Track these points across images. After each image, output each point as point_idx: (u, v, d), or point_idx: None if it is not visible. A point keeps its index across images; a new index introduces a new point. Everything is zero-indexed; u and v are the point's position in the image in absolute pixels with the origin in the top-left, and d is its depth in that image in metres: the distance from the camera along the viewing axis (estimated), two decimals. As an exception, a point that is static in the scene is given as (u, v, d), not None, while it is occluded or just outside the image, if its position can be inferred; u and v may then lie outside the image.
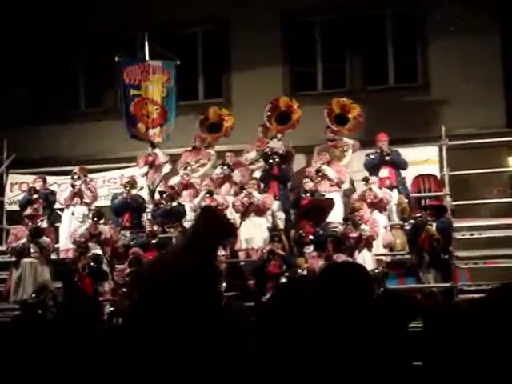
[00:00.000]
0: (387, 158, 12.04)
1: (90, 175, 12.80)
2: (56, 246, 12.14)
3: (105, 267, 11.23)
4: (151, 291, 2.05)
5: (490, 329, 2.49)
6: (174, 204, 11.82)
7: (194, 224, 2.53)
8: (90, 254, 11.15)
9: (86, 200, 12.38)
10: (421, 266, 10.69)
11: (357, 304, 2.19)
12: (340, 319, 2.10)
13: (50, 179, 13.05)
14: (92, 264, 10.99)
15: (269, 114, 12.66)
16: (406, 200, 11.83)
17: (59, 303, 9.95)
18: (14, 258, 11.51)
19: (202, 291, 2.03)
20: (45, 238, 11.54)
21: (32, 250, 11.37)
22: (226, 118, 13.00)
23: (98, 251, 11.41)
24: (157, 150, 12.82)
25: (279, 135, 12.63)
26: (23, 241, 11.38)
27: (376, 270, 10.13)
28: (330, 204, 11.52)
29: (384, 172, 12.10)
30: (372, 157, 12.21)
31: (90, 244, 11.40)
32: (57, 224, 12.56)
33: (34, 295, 10.40)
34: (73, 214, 12.19)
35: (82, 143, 14.55)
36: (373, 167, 12.15)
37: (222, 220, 2.46)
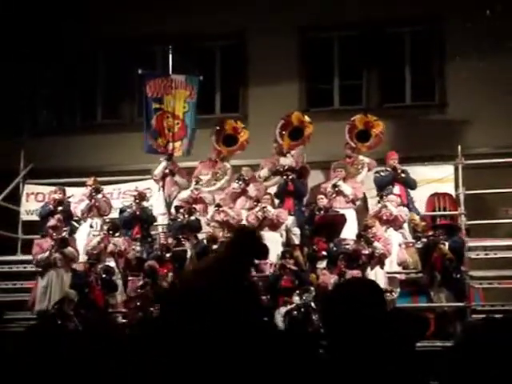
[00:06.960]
0: (403, 175, 12.01)
1: (105, 187, 12.84)
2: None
3: (116, 279, 11.26)
4: (179, 306, 2.06)
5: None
6: (192, 218, 11.83)
7: (228, 242, 2.54)
8: (101, 266, 11.19)
9: (103, 211, 12.43)
10: (432, 285, 10.62)
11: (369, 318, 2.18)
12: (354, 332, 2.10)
13: (68, 190, 13.10)
14: (104, 276, 11.03)
15: (281, 130, 12.63)
16: (418, 216, 11.76)
17: (80, 313, 9.99)
18: (39, 269, 11.51)
19: (234, 307, 2.05)
20: (70, 248, 11.55)
21: (57, 260, 11.40)
22: (241, 131, 13.01)
23: (112, 263, 11.44)
24: (177, 178, 12.78)
25: (292, 151, 12.62)
26: (49, 251, 11.38)
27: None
28: (341, 220, 11.49)
29: (395, 190, 12.06)
30: (383, 174, 12.19)
31: (102, 256, 11.44)
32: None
33: (55, 305, 10.47)
34: (91, 226, 12.21)
35: (98, 154, 14.58)
36: (385, 184, 12.12)
37: (255, 240, 2.45)
